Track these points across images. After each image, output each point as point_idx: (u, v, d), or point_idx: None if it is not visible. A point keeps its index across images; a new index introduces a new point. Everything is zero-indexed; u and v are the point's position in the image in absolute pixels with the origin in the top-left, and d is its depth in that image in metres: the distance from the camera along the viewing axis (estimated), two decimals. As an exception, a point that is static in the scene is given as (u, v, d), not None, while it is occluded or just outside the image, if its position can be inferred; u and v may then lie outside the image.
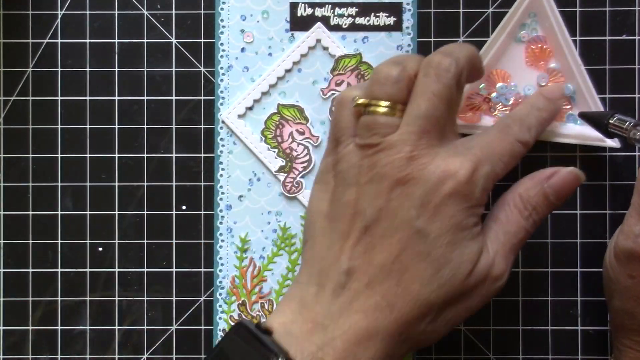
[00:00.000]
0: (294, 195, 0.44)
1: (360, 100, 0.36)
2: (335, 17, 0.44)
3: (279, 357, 0.32)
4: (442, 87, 0.35)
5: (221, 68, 0.44)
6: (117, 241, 0.45)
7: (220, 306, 0.44)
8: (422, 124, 0.35)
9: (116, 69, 0.45)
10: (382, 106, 0.35)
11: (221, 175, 0.44)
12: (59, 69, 0.45)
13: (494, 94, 0.44)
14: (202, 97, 0.45)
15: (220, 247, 0.44)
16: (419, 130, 0.35)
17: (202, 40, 0.45)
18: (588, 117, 0.42)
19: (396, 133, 0.35)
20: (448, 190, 0.34)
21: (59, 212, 0.45)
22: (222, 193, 0.44)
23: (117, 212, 0.45)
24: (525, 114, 0.39)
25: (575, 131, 0.43)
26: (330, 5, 0.44)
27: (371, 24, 0.44)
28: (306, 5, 0.44)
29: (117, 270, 0.45)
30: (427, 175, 0.34)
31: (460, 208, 0.34)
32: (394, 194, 0.34)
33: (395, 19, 0.44)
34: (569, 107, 0.44)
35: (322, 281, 0.35)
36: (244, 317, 0.43)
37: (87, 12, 0.45)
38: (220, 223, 0.44)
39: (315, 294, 0.35)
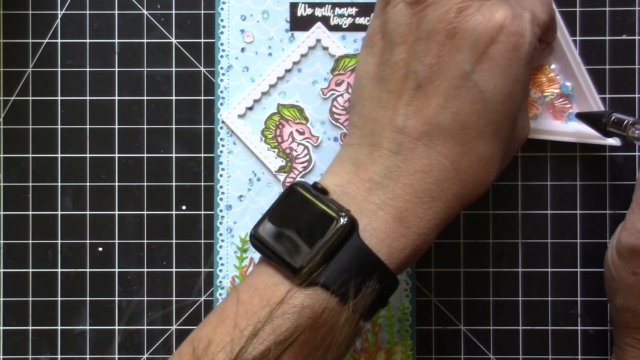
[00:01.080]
0: (294, 195, 0.44)
1: None
2: (335, 17, 0.44)
3: (344, 218, 0.32)
4: None
5: (221, 68, 0.44)
6: (117, 241, 0.45)
7: (220, 306, 0.44)
8: None
9: (116, 69, 0.45)
10: None
11: (221, 175, 0.44)
12: (59, 69, 0.45)
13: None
14: (202, 97, 0.45)
15: (220, 247, 0.44)
16: None
17: (202, 40, 0.45)
18: (586, 118, 0.42)
19: None
20: (494, 37, 0.33)
21: (59, 212, 0.45)
22: (222, 193, 0.44)
23: (117, 212, 0.45)
24: None
25: (576, 129, 0.43)
26: (330, 5, 0.44)
27: (371, 24, 0.44)
28: (306, 5, 0.44)
29: (117, 270, 0.45)
30: (474, 25, 0.33)
31: (514, 56, 0.33)
32: (444, 49, 0.33)
33: (395, 19, 0.44)
34: (569, 106, 0.44)
35: (376, 141, 0.34)
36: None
37: (87, 12, 0.45)
38: (220, 223, 0.44)
39: (369, 153, 0.34)
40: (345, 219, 0.32)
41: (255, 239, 0.34)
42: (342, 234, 0.32)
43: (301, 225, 0.33)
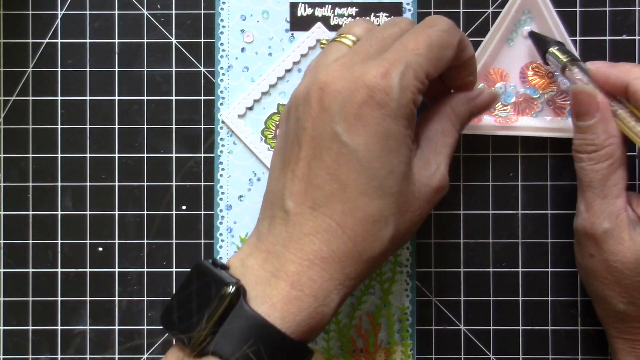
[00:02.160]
0: (294, 195, 0.44)
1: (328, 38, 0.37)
2: (335, 17, 0.44)
3: (230, 286, 0.32)
4: (396, 30, 0.36)
5: (221, 68, 0.44)
6: (117, 241, 0.45)
7: (220, 306, 0.44)
8: (356, 47, 0.36)
9: (116, 69, 0.45)
10: (349, 39, 0.37)
11: (221, 175, 0.44)
12: (59, 69, 0.45)
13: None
14: (202, 97, 0.45)
15: (220, 247, 0.44)
16: (350, 52, 0.35)
17: (202, 40, 0.45)
18: (535, 37, 0.42)
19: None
20: (361, 98, 0.33)
21: (59, 212, 0.45)
22: (222, 193, 0.44)
23: (117, 212, 0.45)
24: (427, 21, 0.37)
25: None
26: (330, 5, 0.44)
27: (371, 24, 0.44)
28: (306, 5, 0.44)
29: (117, 270, 0.45)
30: (340, 86, 0.34)
31: (381, 114, 0.33)
32: (316, 110, 0.34)
33: (395, 19, 0.44)
34: (569, 102, 0.44)
35: (273, 212, 0.35)
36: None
37: (87, 12, 0.45)
38: (220, 223, 0.44)
39: (268, 225, 0.35)
40: (231, 287, 0.32)
41: (162, 320, 0.35)
42: (228, 301, 0.32)
43: (196, 298, 0.34)
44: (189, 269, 0.44)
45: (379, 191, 0.33)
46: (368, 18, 0.42)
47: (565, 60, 0.40)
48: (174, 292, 0.35)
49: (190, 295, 0.34)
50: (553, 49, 0.41)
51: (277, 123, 0.44)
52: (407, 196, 0.34)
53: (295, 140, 0.35)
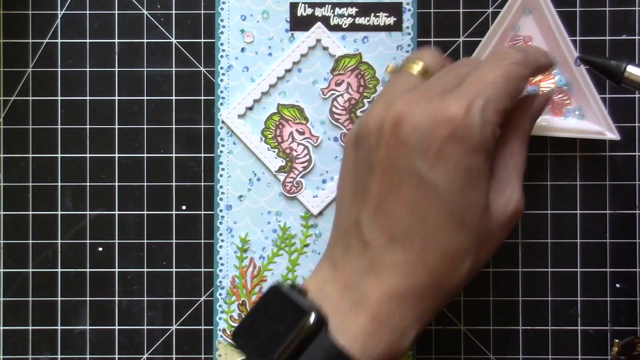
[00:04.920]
0: (293, 195, 0.44)
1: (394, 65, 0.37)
2: (335, 17, 0.44)
3: (312, 314, 0.32)
4: (471, 68, 0.36)
5: (221, 68, 0.44)
6: (117, 241, 0.45)
7: (220, 306, 0.44)
8: (433, 80, 0.35)
9: (116, 69, 0.45)
10: (419, 66, 0.36)
11: (221, 175, 0.44)
12: (59, 69, 0.45)
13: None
14: (202, 97, 0.45)
15: (220, 247, 0.44)
16: (427, 84, 0.35)
17: (202, 40, 0.45)
18: (595, 64, 0.40)
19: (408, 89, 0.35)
20: (444, 134, 0.32)
21: (59, 212, 0.45)
22: (222, 193, 0.44)
23: (117, 212, 0.45)
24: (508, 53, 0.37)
25: (574, 126, 0.44)
26: (330, 5, 0.44)
27: (371, 24, 0.44)
28: (306, 5, 0.44)
29: (117, 270, 0.45)
30: (420, 118, 0.33)
31: (463, 150, 0.32)
32: (393, 141, 0.33)
33: (395, 19, 0.44)
34: (568, 102, 0.44)
35: (347, 241, 0.34)
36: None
37: (87, 12, 0.45)
38: (220, 223, 0.44)
39: (342, 254, 0.34)
40: (313, 316, 0.32)
41: (235, 337, 0.34)
42: (309, 331, 0.32)
43: (274, 322, 0.33)
44: (189, 269, 0.44)
45: (459, 226, 0.33)
46: (433, 49, 0.40)
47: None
48: (247, 310, 0.35)
49: (270, 319, 0.33)
50: (630, 69, 0.38)
51: (278, 124, 0.44)
52: (487, 228, 0.34)
53: (367, 170, 0.34)
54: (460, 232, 0.33)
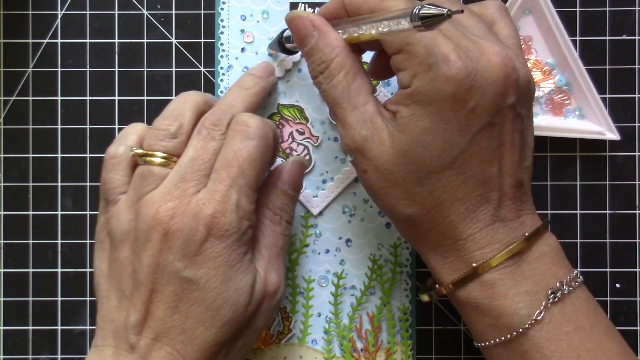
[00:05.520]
0: (294, 195, 0.44)
1: (138, 151, 0.37)
2: (335, 17, 0.44)
3: None
4: (215, 143, 0.37)
5: (221, 68, 0.44)
6: (117, 241, 0.44)
7: (220, 306, 0.44)
8: (183, 173, 0.36)
9: (116, 69, 0.45)
10: (158, 157, 0.37)
11: (221, 175, 0.44)
12: (59, 69, 0.45)
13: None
14: (202, 97, 0.44)
15: (220, 247, 0.44)
16: (179, 180, 0.36)
17: (202, 40, 0.45)
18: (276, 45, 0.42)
19: (160, 186, 0.36)
20: (202, 237, 0.35)
21: (59, 212, 0.45)
22: (222, 193, 0.44)
23: (117, 212, 0.44)
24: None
25: (574, 126, 0.44)
26: (330, 5, 0.44)
27: (371, 24, 0.44)
28: (306, 5, 0.44)
29: (117, 270, 0.44)
30: (181, 224, 0.35)
31: (220, 248, 0.35)
32: (158, 248, 0.35)
33: (395, 19, 0.44)
34: (568, 101, 0.44)
35: (116, 342, 0.36)
36: None
37: (87, 12, 0.45)
38: (220, 223, 0.44)
39: (112, 355, 0.35)
40: None
41: None
42: None
43: None
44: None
45: (215, 321, 0.35)
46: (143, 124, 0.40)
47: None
48: None
49: None
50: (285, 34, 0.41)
51: (278, 124, 0.44)
52: (246, 316, 0.36)
53: (132, 273, 0.36)
54: (216, 327, 0.35)
